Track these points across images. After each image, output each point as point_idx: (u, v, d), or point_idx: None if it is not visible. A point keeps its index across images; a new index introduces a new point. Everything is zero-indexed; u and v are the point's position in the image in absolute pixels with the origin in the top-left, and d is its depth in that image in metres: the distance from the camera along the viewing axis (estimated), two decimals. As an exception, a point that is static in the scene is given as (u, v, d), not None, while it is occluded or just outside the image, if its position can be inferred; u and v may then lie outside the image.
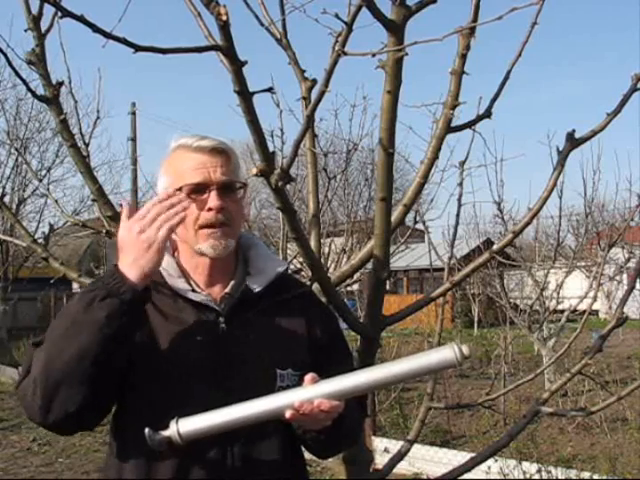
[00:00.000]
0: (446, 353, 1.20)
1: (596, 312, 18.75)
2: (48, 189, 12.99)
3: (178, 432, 1.20)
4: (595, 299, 2.71)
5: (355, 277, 6.25)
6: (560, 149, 1.86)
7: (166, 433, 1.20)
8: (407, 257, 16.26)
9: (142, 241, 1.23)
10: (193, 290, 1.39)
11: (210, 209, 1.35)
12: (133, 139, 19.25)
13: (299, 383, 1.34)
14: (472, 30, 1.83)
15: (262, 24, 2.05)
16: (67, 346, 1.20)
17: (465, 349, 1.19)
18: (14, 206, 16.33)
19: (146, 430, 1.20)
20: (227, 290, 1.42)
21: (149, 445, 1.20)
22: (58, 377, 1.20)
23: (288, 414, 1.21)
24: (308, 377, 1.25)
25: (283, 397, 1.23)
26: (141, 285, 1.23)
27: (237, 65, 1.31)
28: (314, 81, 1.99)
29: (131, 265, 1.22)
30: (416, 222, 3.35)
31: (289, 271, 1.60)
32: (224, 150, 1.39)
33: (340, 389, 1.23)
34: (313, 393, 1.21)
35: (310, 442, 1.39)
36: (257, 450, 1.33)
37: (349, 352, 1.58)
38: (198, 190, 1.36)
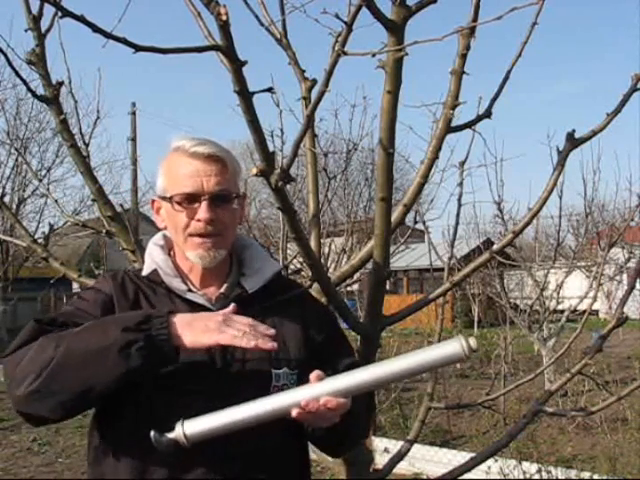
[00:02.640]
0: (453, 347, 1.18)
1: (596, 312, 18.75)
2: (48, 189, 12.96)
3: (184, 434, 1.19)
4: (595, 299, 2.71)
5: (355, 277, 6.25)
6: (560, 149, 1.86)
7: (172, 435, 1.20)
8: (407, 257, 16.28)
9: (214, 325, 1.22)
10: (190, 290, 1.40)
11: (199, 220, 1.34)
12: (133, 139, 19.22)
13: (299, 382, 1.34)
14: (472, 30, 1.83)
15: (262, 24, 2.05)
16: (81, 370, 1.19)
17: (472, 342, 1.18)
18: (14, 206, 16.37)
19: (152, 433, 1.19)
20: (222, 290, 1.42)
21: (156, 448, 1.19)
22: (57, 388, 1.19)
23: (294, 413, 1.20)
24: (313, 375, 1.23)
25: (289, 396, 1.22)
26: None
27: (237, 65, 1.31)
28: (314, 81, 1.99)
29: (192, 334, 1.21)
30: (416, 222, 3.34)
31: (287, 272, 1.60)
32: (221, 158, 1.36)
33: (346, 386, 1.21)
34: (319, 391, 1.20)
35: (320, 440, 1.39)
36: (261, 451, 1.32)
37: (351, 349, 1.57)
38: (190, 199, 1.35)
